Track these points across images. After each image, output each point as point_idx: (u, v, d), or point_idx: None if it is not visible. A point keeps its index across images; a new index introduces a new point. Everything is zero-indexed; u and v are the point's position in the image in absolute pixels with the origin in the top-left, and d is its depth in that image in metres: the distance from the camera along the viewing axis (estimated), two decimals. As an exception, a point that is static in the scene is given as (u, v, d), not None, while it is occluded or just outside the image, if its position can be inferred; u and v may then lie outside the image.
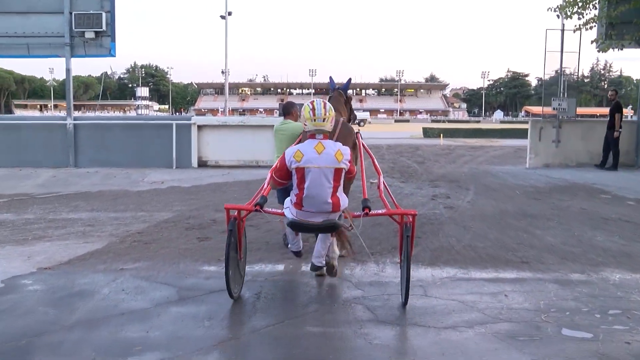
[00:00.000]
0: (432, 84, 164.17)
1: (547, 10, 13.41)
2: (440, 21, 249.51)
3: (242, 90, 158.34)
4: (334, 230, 4.98)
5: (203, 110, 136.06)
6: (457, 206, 8.95)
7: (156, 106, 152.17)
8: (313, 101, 4.94)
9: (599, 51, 13.52)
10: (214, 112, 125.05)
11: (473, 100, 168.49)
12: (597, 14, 13.08)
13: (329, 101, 5.81)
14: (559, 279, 5.35)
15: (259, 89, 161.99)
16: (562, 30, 14.15)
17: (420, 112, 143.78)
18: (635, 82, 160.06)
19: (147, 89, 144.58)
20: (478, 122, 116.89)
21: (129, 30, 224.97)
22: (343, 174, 4.84)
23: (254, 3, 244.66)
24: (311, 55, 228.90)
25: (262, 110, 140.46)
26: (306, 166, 4.70)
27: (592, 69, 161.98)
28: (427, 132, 39.87)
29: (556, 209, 8.89)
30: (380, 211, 5.12)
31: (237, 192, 10.32)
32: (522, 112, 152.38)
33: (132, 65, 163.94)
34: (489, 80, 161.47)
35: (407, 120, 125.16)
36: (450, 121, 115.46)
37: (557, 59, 14.19)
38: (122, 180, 11.91)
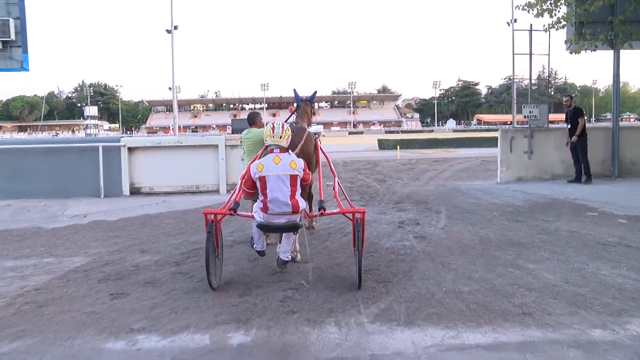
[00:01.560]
0: (385, 95, 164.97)
1: (515, 8, 12.18)
2: (391, 32, 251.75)
3: (193, 107, 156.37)
4: (295, 230, 6.01)
5: (155, 128, 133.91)
6: (429, 235, 7.59)
7: (106, 125, 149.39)
8: (274, 122, 6.19)
9: (570, 53, 12.43)
10: (166, 129, 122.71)
11: (425, 110, 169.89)
12: (566, 12, 11.95)
13: (296, 111, 8.06)
14: (579, 339, 4.04)
15: (211, 105, 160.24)
16: (530, 31, 12.95)
17: (374, 123, 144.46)
18: (579, 88, 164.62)
19: (96, 107, 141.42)
20: (431, 131, 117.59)
21: (76, 47, 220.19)
22: (298, 180, 5.85)
23: (204, 18, 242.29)
24: (263, 70, 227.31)
25: (214, 126, 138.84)
26: (267, 175, 5.76)
27: (539, 76, 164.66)
28: (383, 144, 39.06)
29: (543, 232, 7.62)
30: (334, 210, 6.22)
31: (172, 225, 8.79)
32: (474, 120, 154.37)
33: (80, 83, 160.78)
34: (440, 90, 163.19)
35: (361, 132, 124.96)
36: (404, 131, 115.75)
37: (525, 62, 12.99)
38: (37, 214, 10.17)
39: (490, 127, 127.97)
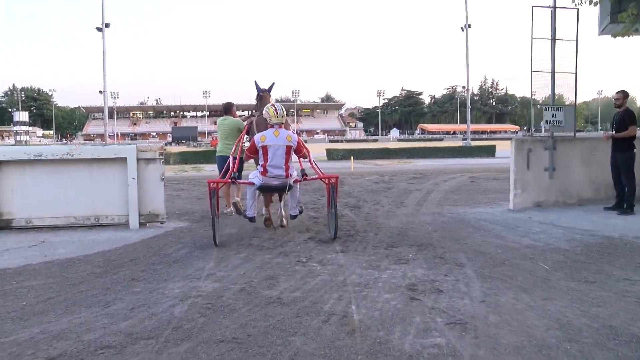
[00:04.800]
0: (329, 104, 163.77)
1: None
2: (335, 40, 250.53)
3: (133, 114, 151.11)
4: (289, 190, 7.70)
5: (92, 136, 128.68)
6: (469, 320, 4.27)
7: (40, 132, 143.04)
8: (274, 104, 7.93)
9: (614, 36, 9.50)
10: (103, 137, 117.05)
11: (369, 119, 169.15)
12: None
13: (259, 101, 9.52)
14: None
15: (151, 113, 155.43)
16: (554, 8, 9.79)
17: (317, 132, 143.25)
18: (519, 99, 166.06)
19: (27, 113, 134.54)
20: (376, 140, 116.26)
21: (6, 49, 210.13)
22: (292, 151, 7.74)
23: (145, 24, 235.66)
24: (204, 77, 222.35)
25: (154, 134, 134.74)
26: (269, 144, 7.53)
27: (481, 86, 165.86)
28: (332, 154, 36.07)
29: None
30: (314, 176, 8.11)
31: (34, 295, 5.25)
32: (418, 129, 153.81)
33: (11, 87, 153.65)
34: (384, 99, 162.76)
35: (305, 141, 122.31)
36: (348, 141, 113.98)
37: (547, 49, 9.77)
38: None
39: (434, 136, 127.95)
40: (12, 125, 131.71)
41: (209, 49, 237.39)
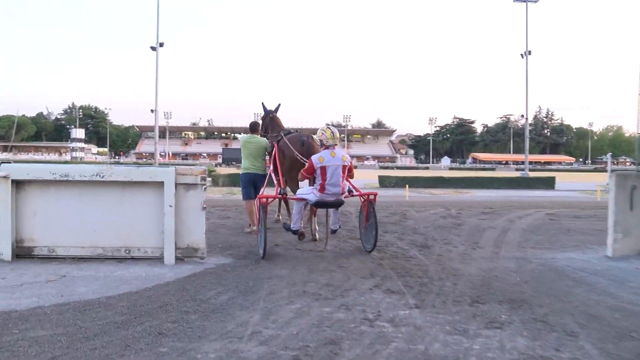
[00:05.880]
0: (380, 130, 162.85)
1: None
2: (387, 66, 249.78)
3: (185, 134, 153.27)
4: (341, 205, 8.45)
5: (144, 154, 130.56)
6: None
7: (95, 149, 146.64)
8: (329, 128, 8.34)
9: None
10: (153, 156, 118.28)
11: (420, 146, 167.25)
12: None
13: (271, 121, 11.08)
14: None
15: (202, 133, 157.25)
16: None
17: (368, 158, 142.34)
18: (575, 130, 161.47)
19: (83, 130, 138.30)
20: (427, 168, 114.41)
21: (65, 68, 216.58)
22: (346, 170, 8.25)
23: (199, 47, 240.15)
24: (257, 99, 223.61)
25: (205, 154, 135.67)
26: (327, 165, 8.04)
27: (535, 116, 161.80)
28: (384, 181, 34.73)
29: None
30: (356, 193, 8.75)
31: (37, 352, 4.21)
32: (470, 158, 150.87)
33: (70, 105, 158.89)
34: (435, 127, 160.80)
35: (355, 167, 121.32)
36: (399, 167, 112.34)
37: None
38: None
39: (486, 166, 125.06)
40: (69, 141, 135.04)
41: (262, 72, 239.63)
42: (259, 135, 10.64)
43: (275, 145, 10.01)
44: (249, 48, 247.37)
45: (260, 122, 11.33)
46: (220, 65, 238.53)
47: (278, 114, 11.37)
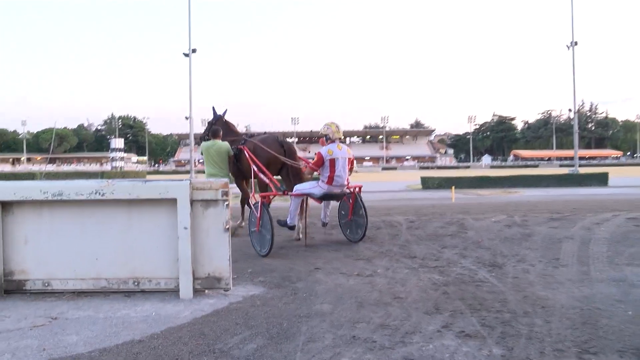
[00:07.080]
0: (418, 130, 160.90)
1: None
2: (424, 66, 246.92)
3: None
4: (345, 196, 9.25)
5: (183, 162, 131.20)
6: None
7: (134, 158, 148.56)
8: (334, 123, 8.90)
9: None
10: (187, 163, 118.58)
11: (459, 145, 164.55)
12: None
13: (224, 125, 11.44)
14: None
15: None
16: None
17: (407, 159, 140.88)
18: (620, 123, 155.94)
19: (123, 140, 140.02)
20: (467, 167, 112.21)
21: (106, 80, 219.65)
22: (350, 162, 8.88)
23: (234, 53, 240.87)
24: (293, 104, 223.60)
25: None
26: (336, 157, 8.60)
27: (579, 110, 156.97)
28: (427, 182, 33.34)
29: None
30: (351, 185, 9.33)
31: None
32: (511, 156, 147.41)
33: (110, 116, 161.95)
34: (475, 125, 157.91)
35: (394, 168, 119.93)
36: (439, 167, 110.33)
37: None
38: None
39: (528, 163, 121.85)
40: (109, 151, 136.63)
41: (298, 75, 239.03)
42: (220, 140, 10.60)
43: (245, 148, 10.28)
44: (283, 51, 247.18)
45: (212, 126, 11.37)
46: (258, 70, 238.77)
47: (226, 119, 11.80)
